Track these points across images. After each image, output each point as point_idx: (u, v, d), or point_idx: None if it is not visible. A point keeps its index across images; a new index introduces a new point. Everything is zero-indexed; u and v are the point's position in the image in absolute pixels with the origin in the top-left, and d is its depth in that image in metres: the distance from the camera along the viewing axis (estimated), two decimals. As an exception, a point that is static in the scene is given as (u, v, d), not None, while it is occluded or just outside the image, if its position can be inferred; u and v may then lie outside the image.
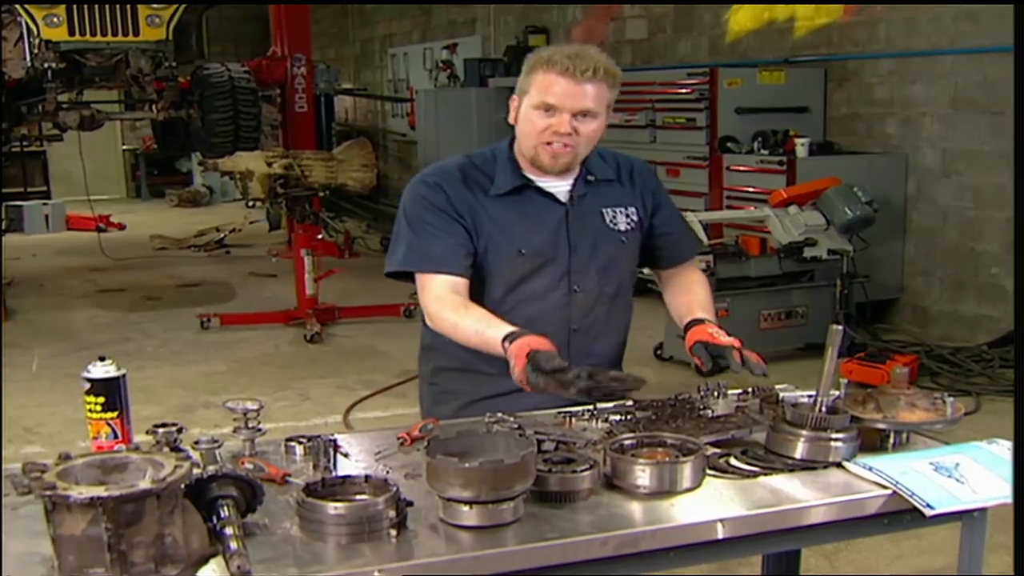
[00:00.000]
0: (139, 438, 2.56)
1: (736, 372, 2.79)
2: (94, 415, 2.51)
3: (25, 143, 12.40)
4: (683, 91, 9.57)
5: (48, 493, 1.87)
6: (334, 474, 2.40)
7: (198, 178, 19.60)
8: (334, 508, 2.08)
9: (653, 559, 2.21)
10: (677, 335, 3.15)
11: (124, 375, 2.53)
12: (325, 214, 13.13)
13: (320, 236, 9.81)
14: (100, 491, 1.86)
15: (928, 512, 2.30)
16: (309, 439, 2.60)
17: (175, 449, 2.46)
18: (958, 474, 2.43)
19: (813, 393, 2.61)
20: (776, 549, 2.85)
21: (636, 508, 2.27)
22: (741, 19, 10.32)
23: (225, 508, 2.08)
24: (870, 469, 2.42)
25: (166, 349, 8.73)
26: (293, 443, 2.62)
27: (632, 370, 3.10)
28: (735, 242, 8.00)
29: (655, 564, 2.22)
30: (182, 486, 1.99)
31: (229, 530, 2.02)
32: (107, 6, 9.33)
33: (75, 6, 9.25)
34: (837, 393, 2.70)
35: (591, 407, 2.83)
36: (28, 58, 9.57)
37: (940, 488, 2.36)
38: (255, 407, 2.62)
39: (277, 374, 7.92)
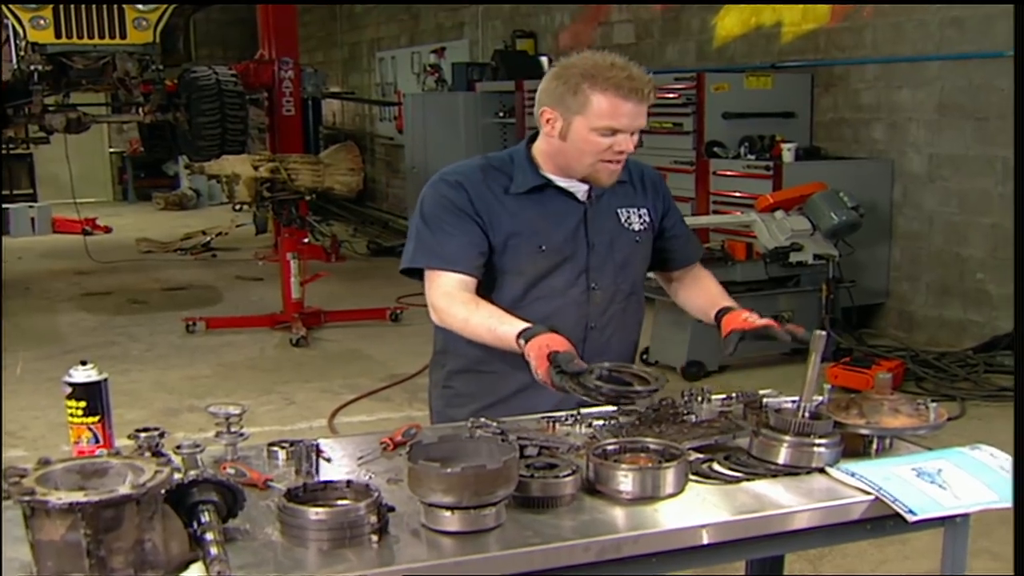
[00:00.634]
0: (121, 442, 2.55)
1: (786, 341, 2.88)
2: (75, 419, 2.50)
3: (11, 146, 12.34)
4: (670, 96, 9.56)
5: (27, 498, 1.86)
6: (316, 479, 2.39)
7: (185, 181, 19.55)
8: (315, 514, 2.07)
9: (636, 565, 2.20)
10: (707, 325, 3.22)
11: (106, 379, 2.52)
12: (312, 218, 13.11)
13: (306, 240, 9.78)
14: (79, 496, 1.85)
15: (910, 518, 2.30)
16: (291, 444, 2.59)
17: (157, 454, 2.44)
18: (941, 480, 2.43)
19: (796, 398, 2.61)
20: (759, 555, 2.85)
21: (619, 514, 2.27)
22: (728, 24, 10.34)
23: (206, 513, 2.07)
24: (853, 475, 2.42)
25: (151, 353, 8.70)
26: (275, 448, 2.61)
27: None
28: (721, 247, 7.99)
29: (638, 570, 2.21)
30: (162, 491, 1.98)
31: (210, 535, 2.02)
32: (94, 9, 9.30)
33: (62, 9, 9.22)
34: (820, 398, 2.71)
35: (575, 412, 2.82)
36: (15, 60, 9.54)
37: (922, 494, 2.36)
38: (237, 412, 2.60)
39: (262, 378, 7.90)
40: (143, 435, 2.47)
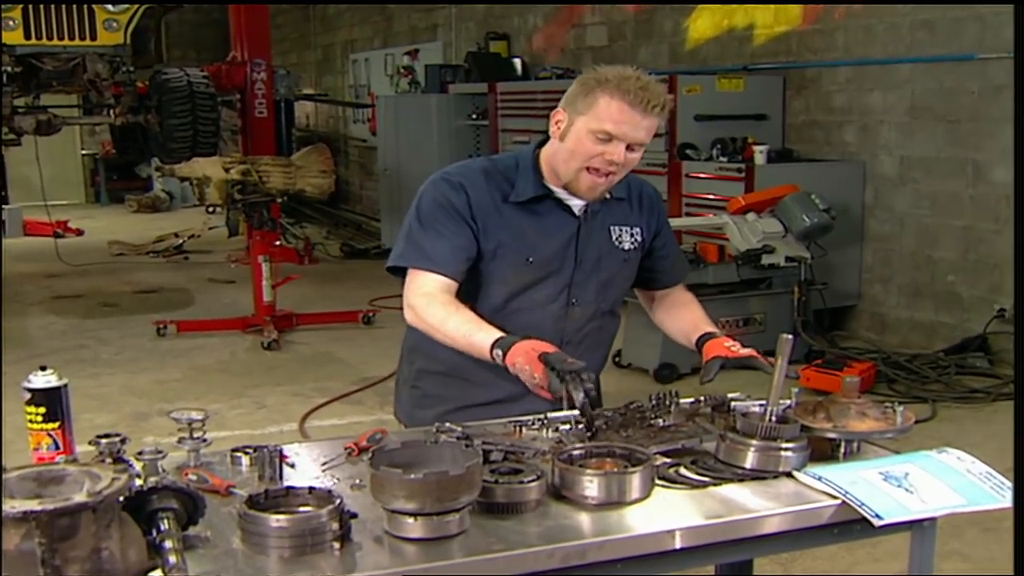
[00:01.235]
0: (83, 448, 2.51)
1: (768, 372, 2.78)
2: (35, 426, 2.46)
3: (-19, 148, 12.26)
4: (643, 98, 9.55)
5: (-20, 507, 1.83)
6: (280, 485, 2.36)
7: (158, 184, 19.44)
8: (276, 521, 2.05)
9: (601, 570, 2.18)
10: (689, 350, 3.16)
11: (66, 385, 2.49)
12: (285, 220, 13.05)
13: (279, 242, 9.74)
14: (34, 505, 1.82)
15: (877, 522, 2.29)
16: (255, 449, 2.57)
17: (118, 460, 2.42)
18: (907, 484, 2.42)
19: (764, 402, 2.60)
20: (725, 560, 2.83)
21: (584, 519, 2.26)
22: (701, 27, 10.35)
23: (165, 521, 2.05)
24: (820, 479, 2.42)
25: (121, 356, 8.64)
26: (239, 453, 2.59)
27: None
28: (693, 249, 8.00)
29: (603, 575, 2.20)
30: (120, 499, 1.96)
31: (168, 543, 1.99)
32: (64, 10, 9.24)
33: (31, 10, 9.15)
34: (788, 402, 2.70)
35: (543, 416, 2.80)
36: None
37: (889, 498, 2.36)
38: (200, 417, 2.58)
39: (233, 382, 7.85)
40: (104, 441, 2.44)
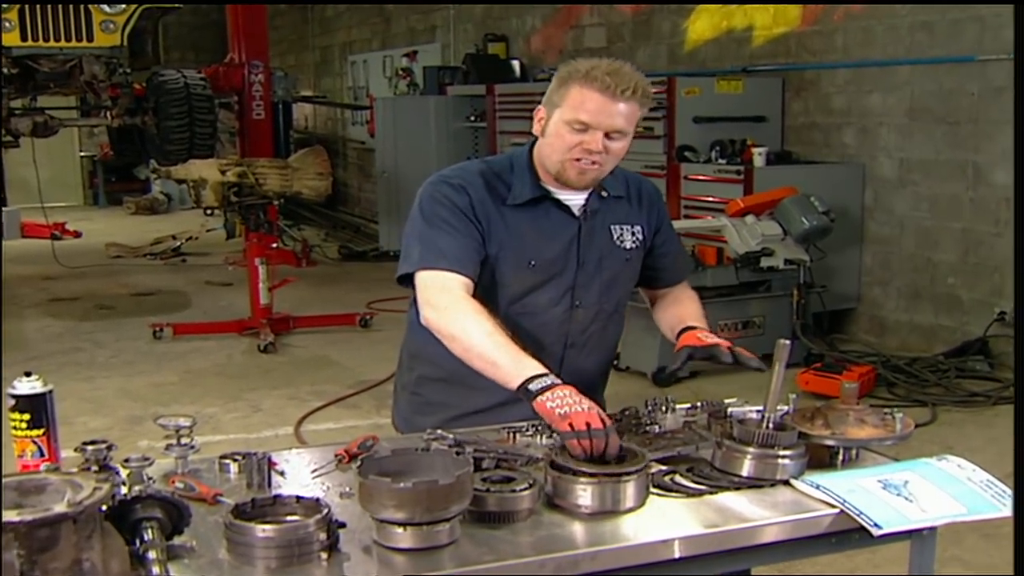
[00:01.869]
0: (68, 454, 2.47)
1: (727, 364, 2.83)
2: (19, 432, 2.42)
3: (-20, 149, 12.22)
4: (641, 100, 9.52)
5: (-42, 518, 1.79)
6: (268, 493, 2.32)
7: (156, 186, 19.39)
8: (262, 531, 2.01)
9: (594, 581, 2.14)
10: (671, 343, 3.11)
11: (51, 391, 2.44)
12: (283, 222, 13.01)
13: (275, 245, 9.70)
14: (12, 515, 1.78)
15: (876, 532, 2.26)
16: (243, 456, 2.53)
17: (104, 467, 2.38)
18: (907, 492, 2.38)
19: (762, 408, 2.56)
20: (721, 570, 2.78)
21: (577, 528, 2.22)
22: (699, 28, 10.31)
23: (149, 531, 2.01)
24: (817, 487, 2.38)
25: (117, 359, 8.60)
26: (227, 460, 2.55)
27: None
28: (692, 252, 7.96)
29: (596, 587, 2.16)
30: (103, 508, 1.91)
31: (152, 554, 1.96)
32: (60, 11, 9.21)
33: (27, 11, 9.12)
34: (785, 408, 2.66)
35: (536, 422, 2.75)
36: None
37: (888, 507, 2.32)
38: (187, 424, 2.53)
39: (229, 385, 7.81)
40: (90, 448, 2.40)
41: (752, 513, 2.33)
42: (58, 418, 2.47)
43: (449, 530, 2.09)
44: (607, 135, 2.79)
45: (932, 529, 2.38)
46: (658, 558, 2.19)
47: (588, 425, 2.38)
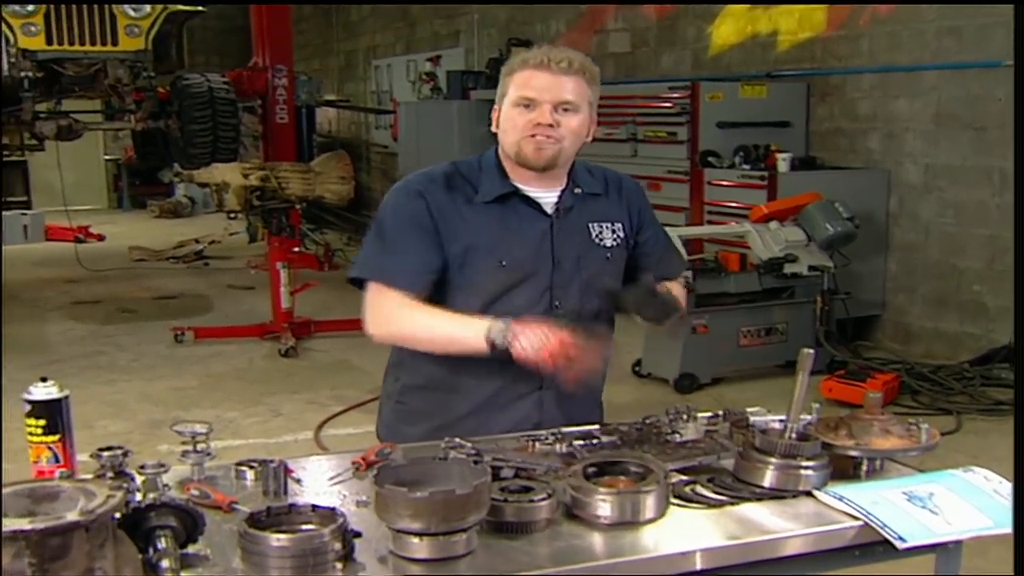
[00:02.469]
0: (88, 458, 2.45)
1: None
2: (35, 438, 2.40)
3: (6, 152, 12.27)
4: (665, 105, 9.51)
5: (-31, 525, 1.77)
6: (284, 501, 2.30)
7: (180, 189, 19.46)
8: (277, 540, 1.98)
9: (612, 593, 2.11)
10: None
11: (67, 397, 2.42)
12: (306, 226, 13.02)
13: (298, 249, 9.69)
14: (24, 524, 1.76)
15: (900, 545, 2.22)
16: (260, 463, 2.50)
17: (120, 474, 2.36)
18: (932, 504, 2.34)
19: (784, 417, 2.52)
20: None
21: (596, 540, 2.18)
22: (724, 33, 10.28)
23: (163, 539, 1.99)
24: (841, 499, 2.34)
25: (139, 363, 8.61)
26: (244, 467, 2.52)
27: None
28: (715, 257, 7.92)
29: (614, 598, 2.12)
30: (115, 516, 1.90)
31: (165, 563, 1.93)
32: (85, 15, 9.23)
33: (53, 15, 9.15)
34: (809, 418, 2.62)
35: (556, 431, 2.72)
36: (5, 67, 9.46)
37: (913, 519, 2.28)
38: (204, 430, 2.51)
39: (249, 389, 7.80)
40: (106, 455, 2.38)
41: (774, 525, 2.29)
42: (74, 424, 2.46)
43: (466, 540, 2.06)
44: (556, 109, 2.81)
45: (958, 542, 2.34)
46: (678, 570, 2.15)
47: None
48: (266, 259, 9.78)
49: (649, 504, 2.25)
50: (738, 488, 2.41)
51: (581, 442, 2.66)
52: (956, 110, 8.12)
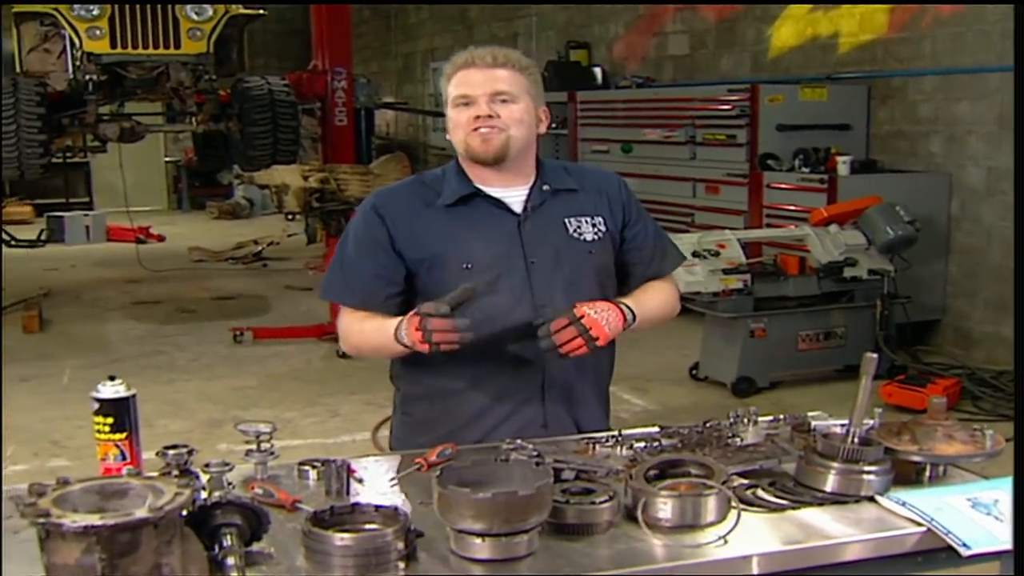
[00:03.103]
0: (149, 456, 2.49)
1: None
2: (102, 436, 2.44)
3: (68, 154, 12.44)
4: (724, 107, 9.47)
5: (41, 520, 1.80)
6: (346, 501, 2.32)
7: (238, 191, 19.62)
8: (340, 539, 2.00)
9: (674, 597, 2.11)
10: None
11: (134, 395, 2.46)
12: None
13: (356, 250, 9.73)
14: (95, 519, 1.79)
15: (964, 552, 2.20)
16: (323, 463, 2.53)
17: (185, 472, 2.39)
18: (997, 511, 2.32)
19: (846, 422, 2.50)
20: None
21: (657, 543, 2.17)
22: (784, 35, 10.22)
23: (228, 537, 2.02)
24: (904, 504, 2.32)
25: (198, 363, 8.70)
26: (306, 467, 2.55)
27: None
28: (774, 261, 7.88)
29: (675, 602, 2.12)
30: (183, 513, 1.92)
31: (231, 560, 1.96)
32: (149, 19, 9.34)
33: (117, 19, 9.27)
34: (871, 422, 2.60)
35: (615, 433, 2.72)
36: (70, 70, 9.61)
37: (977, 526, 2.26)
38: (268, 430, 2.54)
39: (307, 389, 7.86)
40: (171, 453, 2.42)
41: (835, 530, 2.28)
42: (140, 421, 2.50)
43: (527, 542, 2.07)
44: (493, 100, 2.86)
45: (1023, 549, 2.32)
46: (738, 574, 2.14)
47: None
48: (324, 260, 9.83)
49: (710, 507, 2.24)
50: (799, 492, 2.40)
51: (642, 444, 2.66)
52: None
